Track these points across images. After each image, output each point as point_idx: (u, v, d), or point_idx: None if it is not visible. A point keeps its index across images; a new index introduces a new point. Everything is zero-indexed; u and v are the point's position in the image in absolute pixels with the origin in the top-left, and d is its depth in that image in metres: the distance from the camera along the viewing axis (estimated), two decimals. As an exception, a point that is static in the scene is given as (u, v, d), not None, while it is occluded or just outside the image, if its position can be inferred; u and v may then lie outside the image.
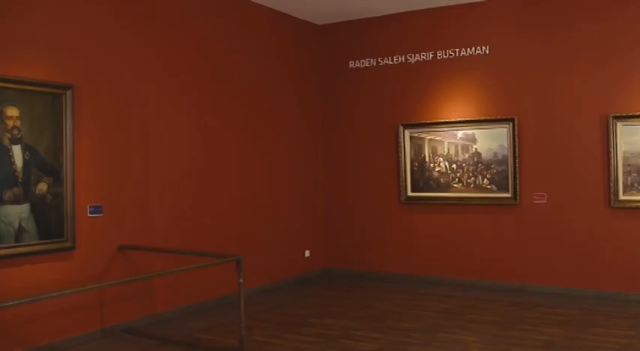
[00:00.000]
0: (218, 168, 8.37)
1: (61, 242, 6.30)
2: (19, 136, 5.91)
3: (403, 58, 9.73)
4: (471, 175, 9.15)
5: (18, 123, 5.89)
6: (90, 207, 6.63)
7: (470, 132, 9.12)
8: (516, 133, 8.73)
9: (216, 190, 8.33)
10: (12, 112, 5.85)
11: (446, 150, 9.33)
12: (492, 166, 8.97)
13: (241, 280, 6.21)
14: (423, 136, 9.51)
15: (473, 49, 9.13)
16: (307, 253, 10.11)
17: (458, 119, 9.21)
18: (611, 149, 8.11)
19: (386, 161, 9.86)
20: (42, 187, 6.11)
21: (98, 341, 6.61)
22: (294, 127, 9.88)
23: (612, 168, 8.12)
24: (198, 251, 7.21)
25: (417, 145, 9.55)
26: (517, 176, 8.75)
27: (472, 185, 9.14)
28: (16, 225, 5.89)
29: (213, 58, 8.38)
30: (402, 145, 9.62)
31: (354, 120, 10.22)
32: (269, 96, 9.33)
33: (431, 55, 9.50)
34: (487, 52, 9.04)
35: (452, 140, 9.28)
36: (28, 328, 6.00)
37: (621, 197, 8.11)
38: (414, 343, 6.38)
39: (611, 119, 8.09)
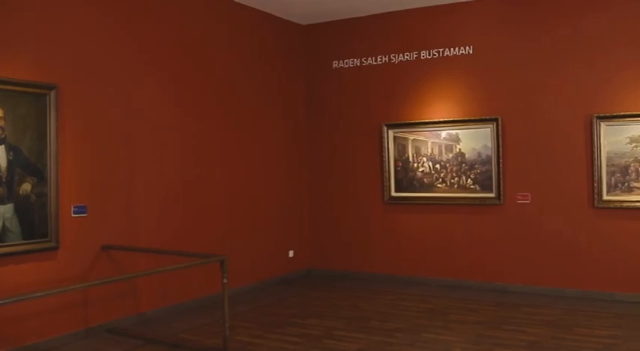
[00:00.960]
0: (203, 168, 8.35)
1: (45, 242, 6.27)
2: (3, 136, 5.86)
3: (387, 58, 9.75)
4: (454, 175, 9.18)
5: (2, 123, 5.84)
6: (74, 207, 6.60)
7: (453, 132, 9.15)
8: (500, 133, 8.77)
9: (201, 190, 8.31)
10: (-5, 111, 5.82)
11: (429, 150, 9.36)
12: (476, 166, 9.01)
13: (225, 280, 6.21)
14: (406, 136, 9.53)
15: (456, 49, 9.16)
16: (291, 254, 10.10)
17: (441, 119, 9.24)
18: (595, 149, 8.15)
19: (370, 161, 9.87)
20: (26, 187, 6.08)
21: (82, 341, 6.58)
22: (278, 127, 9.87)
23: (596, 168, 8.16)
24: (182, 251, 7.18)
25: (401, 145, 9.57)
26: (501, 176, 8.78)
27: (456, 185, 9.17)
28: (0, 225, 5.85)
29: (199, 59, 8.35)
30: (386, 145, 9.64)
31: (337, 120, 10.22)
32: (254, 96, 9.32)
33: (414, 55, 9.51)
34: (471, 52, 9.06)
35: (435, 140, 9.31)
36: (12, 328, 5.97)
37: (605, 197, 8.15)
38: (397, 343, 6.40)
39: (594, 119, 8.14)
